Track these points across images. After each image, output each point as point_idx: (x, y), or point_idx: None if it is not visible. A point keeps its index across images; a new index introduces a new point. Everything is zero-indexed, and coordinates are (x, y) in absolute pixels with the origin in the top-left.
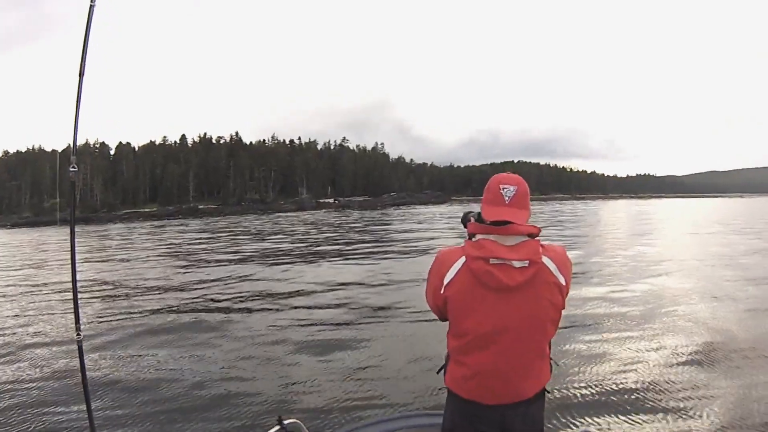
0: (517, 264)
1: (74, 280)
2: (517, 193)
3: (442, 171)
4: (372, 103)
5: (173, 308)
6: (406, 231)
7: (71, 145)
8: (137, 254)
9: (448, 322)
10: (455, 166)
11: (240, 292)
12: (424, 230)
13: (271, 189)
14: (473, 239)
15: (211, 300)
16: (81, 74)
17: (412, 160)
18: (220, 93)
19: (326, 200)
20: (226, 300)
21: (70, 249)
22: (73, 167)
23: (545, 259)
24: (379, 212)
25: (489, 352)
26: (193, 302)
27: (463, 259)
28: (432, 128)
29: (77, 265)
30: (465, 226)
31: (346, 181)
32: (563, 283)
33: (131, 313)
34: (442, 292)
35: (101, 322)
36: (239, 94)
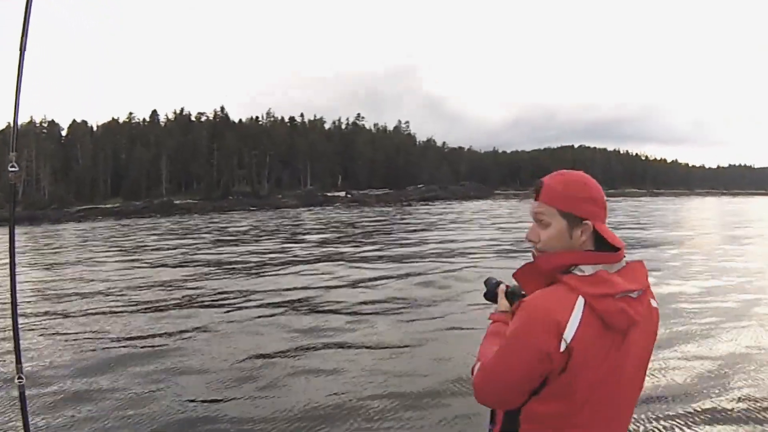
0: (635, 294)
1: (14, 313)
2: None
3: (483, 157)
4: (394, 70)
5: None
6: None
7: (11, 138)
8: (93, 269)
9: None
10: (500, 151)
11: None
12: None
13: (266, 179)
14: (578, 272)
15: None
16: (22, 49)
17: (444, 143)
18: (200, 57)
19: (336, 194)
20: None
21: (9, 275)
22: (13, 166)
23: None
24: (401, 210)
25: (605, 413)
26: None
27: (581, 300)
28: (470, 103)
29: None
30: (489, 298)
31: (361, 170)
32: (657, 306)
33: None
34: (562, 350)
35: (45, 356)
36: (224, 59)
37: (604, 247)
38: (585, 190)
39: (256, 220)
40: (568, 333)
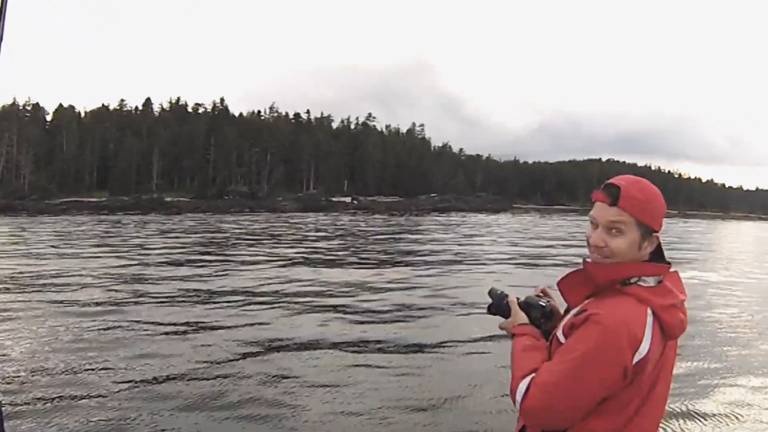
0: (681, 303)
1: None
2: None
3: (502, 167)
4: (409, 67)
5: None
6: None
7: None
8: (71, 267)
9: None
10: (521, 161)
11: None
12: None
13: (266, 180)
14: (643, 283)
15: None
16: None
17: (461, 149)
18: (200, 42)
19: (341, 199)
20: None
21: None
22: None
23: None
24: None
25: (647, 425)
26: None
27: (650, 312)
28: (490, 107)
29: None
30: (496, 312)
31: (369, 174)
32: None
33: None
34: (634, 361)
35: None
36: (227, 47)
37: (656, 258)
38: (662, 203)
39: (253, 224)
40: (644, 347)
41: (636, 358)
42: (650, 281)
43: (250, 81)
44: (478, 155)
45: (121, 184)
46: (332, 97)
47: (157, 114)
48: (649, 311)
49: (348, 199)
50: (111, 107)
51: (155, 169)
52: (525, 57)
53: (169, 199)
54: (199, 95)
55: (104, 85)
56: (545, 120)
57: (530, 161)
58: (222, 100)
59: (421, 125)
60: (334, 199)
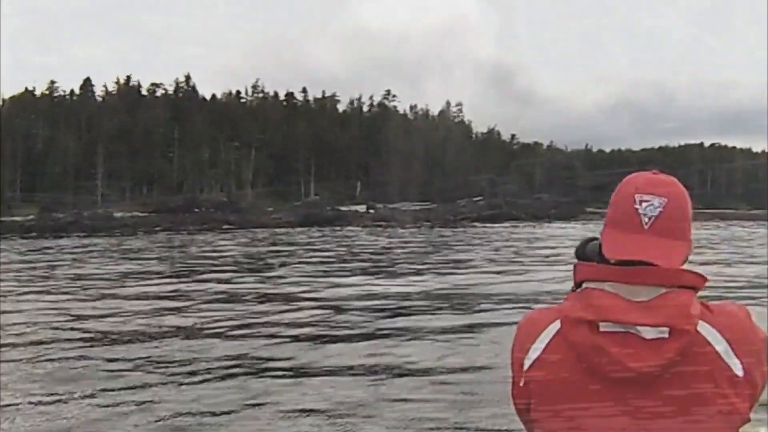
0: (648, 333)
1: None
2: (665, 210)
3: (569, 158)
4: (440, 28)
5: None
6: None
7: None
8: None
9: None
10: (594, 149)
11: None
12: None
13: (250, 185)
14: (578, 289)
15: None
16: None
17: (513, 136)
18: (155, 3)
19: (353, 208)
20: None
21: None
22: None
23: (704, 327)
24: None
25: None
26: None
27: (557, 323)
28: (550, 79)
29: None
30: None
31: (390, 174)
32: (739, 373)
33: None
34: (524, 366)
35: None
36: (190, 6)
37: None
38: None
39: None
40: (527, 361)
41: (525, 364)
42: (586, 286)
43: (224, 52)
44: (536, 143)
45: (54, 196)
46: (337, 71)
47: (100, 100)
48: (557, 323)
49: (362, 208)
50: (38, 92)
51: (99, 175)
52: (594, 11)
53: (119, 214)
54: (156, 73)
55: (28, 64)
56: (625, 94)
57: (607, 149)
58: (187, 78)
59: (458, 105)
60: (343, 208)
